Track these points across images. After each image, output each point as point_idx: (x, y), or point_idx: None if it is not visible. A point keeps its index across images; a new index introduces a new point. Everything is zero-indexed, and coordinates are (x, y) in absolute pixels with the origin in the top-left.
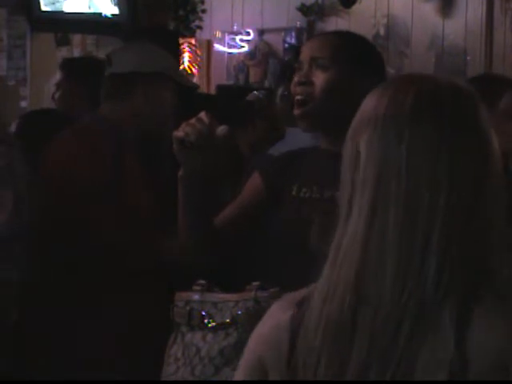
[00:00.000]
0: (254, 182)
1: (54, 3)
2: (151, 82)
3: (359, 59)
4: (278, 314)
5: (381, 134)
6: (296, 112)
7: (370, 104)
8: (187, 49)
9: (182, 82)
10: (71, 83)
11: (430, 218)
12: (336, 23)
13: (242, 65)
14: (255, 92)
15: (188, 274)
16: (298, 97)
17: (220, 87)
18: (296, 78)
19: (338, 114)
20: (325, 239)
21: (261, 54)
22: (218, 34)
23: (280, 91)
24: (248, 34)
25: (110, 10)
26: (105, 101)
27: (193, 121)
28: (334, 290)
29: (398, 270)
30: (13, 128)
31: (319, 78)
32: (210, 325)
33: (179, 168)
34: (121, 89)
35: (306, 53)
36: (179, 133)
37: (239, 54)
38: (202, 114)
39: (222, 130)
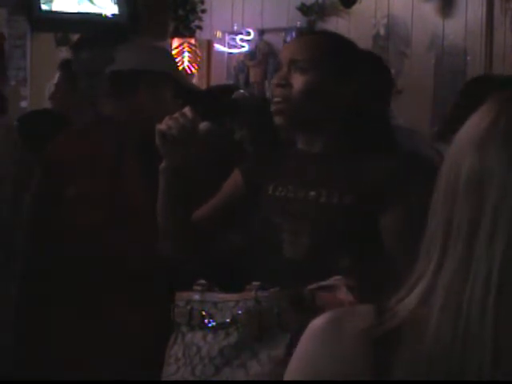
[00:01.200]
0: (234, 179)
1: (50, 1)
2: (154, 80)
3: (340, 60)
4: (334, 337)
5: None
6: (273, 111)
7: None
8: (187, 49)
9: (182, 82)
10: (71, 84)
11: None
12: (336, 23)
13: (242, 65)
14: (241, 90)
15: (187, 274)
16: (276, 99)
17: (211, 88)
18: (275, 80)
19: (317, 116)
20: (296, 244)
21: (261, 54)
22: (218, 34)
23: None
24: (248, 33)
25: (109, 9)
26: (105, 99)
27: (176, 115)
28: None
29: None
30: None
31: (298, 81)
32: (210, 325)
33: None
34: (123, 87)
35: (285, 55)
36: (162, 126)
37: (239, 54)
38: (186, 109)
39: (204, 125)
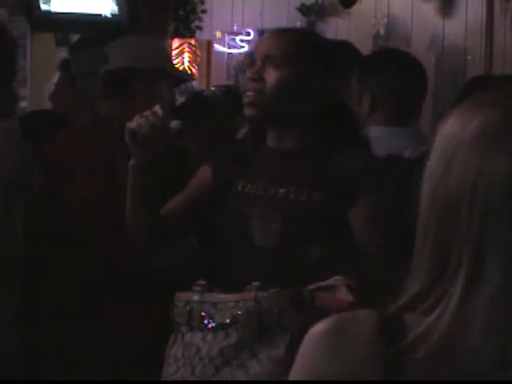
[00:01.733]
0: (203, 175)
1: (50, 1)
2: (148, 77)
3: (314, 58)
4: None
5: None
6: (245, 105)
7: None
8: (187, 49)
9: (178, 75)
10: (71, 84)
11: None
12: (336, 23)
13: (241, 65)
14: (212, 88)
15: (186, 275)
16: (249, 93)
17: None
18: (248, 74)
19: (289, 112)
20: (268, 231)
21: None
22: (218, 35)
23: None
24: (248, 34)
25: (109, 9)
26: (101, 99)
27: (147, 113)
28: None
29: None
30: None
31: (271, 76)
32: (210, 325)
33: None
34: (116, 86)
35: (260, 50)
36: (132, 124)
37: (239, 54)
38: (157, 107)
39: (175, 124)
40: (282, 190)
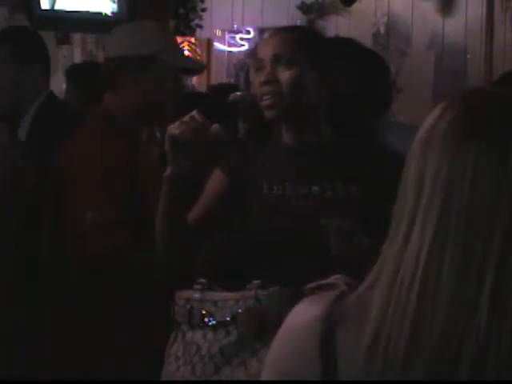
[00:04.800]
0: (218, 179)
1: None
2: (140, 67)
3: (317, 53)
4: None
5: (449, 158)
6: (266, 111)
7: (442, 119)
8: (187, 47)
9: (181, 64)
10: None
11: (485, 261)
12: (336, 22)
13: (242, 63)
14: (238, 93)
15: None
16: (267, 96)
17: (211, 86)
18: (262, 78)
19: (304, 109)
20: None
21: None
22: (218, 33)
23: None
24: (248, 32)
25: (110, 7)
26: (104, 91)
27: (186, 119)
28: (392, 318)
29: (450, 312)
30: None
31: (285, 76)
32: (210, 323)
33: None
34: (110, 77)
35: (266, 51)
36: (174, 131)
37: (239, 52)
38: (195, 113)
39: (215, 127)
40: (315, 188)
